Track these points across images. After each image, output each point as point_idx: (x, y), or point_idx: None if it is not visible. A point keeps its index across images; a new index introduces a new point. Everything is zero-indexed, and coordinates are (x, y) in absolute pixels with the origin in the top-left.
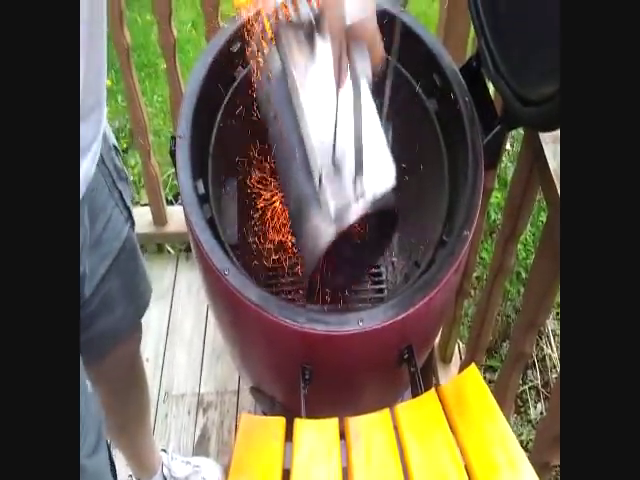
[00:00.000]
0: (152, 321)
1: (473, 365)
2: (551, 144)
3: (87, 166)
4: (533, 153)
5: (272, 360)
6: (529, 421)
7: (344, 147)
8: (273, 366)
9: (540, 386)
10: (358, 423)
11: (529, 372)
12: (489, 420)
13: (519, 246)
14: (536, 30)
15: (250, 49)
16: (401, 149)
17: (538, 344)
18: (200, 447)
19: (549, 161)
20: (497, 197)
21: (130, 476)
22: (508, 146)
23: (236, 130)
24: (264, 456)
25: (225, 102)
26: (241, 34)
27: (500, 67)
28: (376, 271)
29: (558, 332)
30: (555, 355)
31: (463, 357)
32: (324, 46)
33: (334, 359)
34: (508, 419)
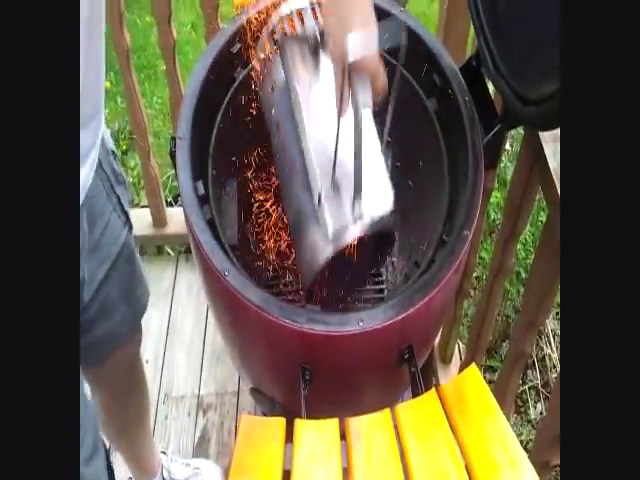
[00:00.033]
0: (152, 323)
1: (473, 365)
2: (551, 143)
3: (86, 173)
4: (533, 152)
5: (272, 361)
6: (529, 421)
7: (344, 169)
8: (273, 367)
9: (540, 386)
10: (358, 423)
11: (529, 372)
12: (489, 419)
13: (519, 246)
14: (536, 29)
15: (254, 56)
16: (401, 149)
17: (538, 344)
18: (200, 449)
19: (549, 160)
20: (496, 197)
21: (130, 478)
22: (507, 146)
23: (236, 131)
24: (264, 457)
25: (225, 103)
26: (241, 35)
27: (500, 66)
28: (376, 271)
29: (558, 332)
30: (555, 355)
31: (463, 357)
32: (328, 63)
33: (334, 359)
34: (508, 419)
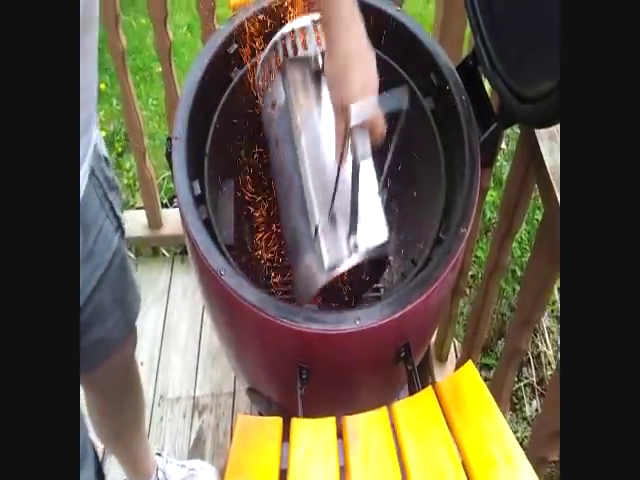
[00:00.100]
0: (147, 324)
1: (470, 362)
2: (547, 141)
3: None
4: (529, 151)
5: (269, 360)
6: (524, 418)
7: (341, 204)
8: (270, 366)
9: (535, 383)
10: (355, 422)
11: (524, 369)
12: (486, 416)
13: (514, 244)
14: (533, 28)
15: (254, 65)
16: (398, 148)
17: (533, 341)
18: (195, 450)
19: (545, 158)
20: (492, 195)
21: None
22: (503, 145)
23: (232, 131)
24: (261, 456)
25: (221, 103)
26: (237, 36)
27: (497, 65)
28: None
29: (553, 329)
30: (550, 352)
31: (459, 355)
32: (328, 92)
33: (331, 358)
34: (504, 416)
